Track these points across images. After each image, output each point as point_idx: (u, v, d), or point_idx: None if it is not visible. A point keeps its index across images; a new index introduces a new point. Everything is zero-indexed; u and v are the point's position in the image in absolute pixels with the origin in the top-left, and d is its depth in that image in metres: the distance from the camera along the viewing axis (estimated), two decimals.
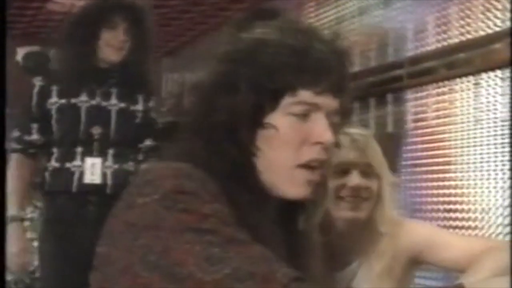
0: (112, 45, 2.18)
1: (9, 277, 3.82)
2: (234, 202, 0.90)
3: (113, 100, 2.19)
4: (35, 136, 2.23)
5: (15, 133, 2.27)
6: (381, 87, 2.60)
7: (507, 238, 2.06)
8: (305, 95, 0.93)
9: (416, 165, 2.46)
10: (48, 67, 4.33)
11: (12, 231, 2.18)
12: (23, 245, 2.19)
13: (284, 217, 1.00)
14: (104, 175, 2.12)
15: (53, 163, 2.17)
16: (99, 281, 0.93)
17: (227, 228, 0.85)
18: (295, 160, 0.93)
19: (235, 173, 0.93)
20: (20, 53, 4.35)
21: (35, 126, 2.23)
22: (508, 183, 2.12)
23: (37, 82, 2.24)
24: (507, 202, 2.11)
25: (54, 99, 2.20)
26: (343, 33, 1.04)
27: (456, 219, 2.28)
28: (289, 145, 0.93)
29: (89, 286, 0.97)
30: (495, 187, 2.16)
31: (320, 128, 0.93)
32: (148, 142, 2.23)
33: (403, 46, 2.58)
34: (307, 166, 0.94)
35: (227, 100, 0.93)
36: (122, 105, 2.20)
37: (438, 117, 2.40)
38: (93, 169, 2.11)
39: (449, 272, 1.99)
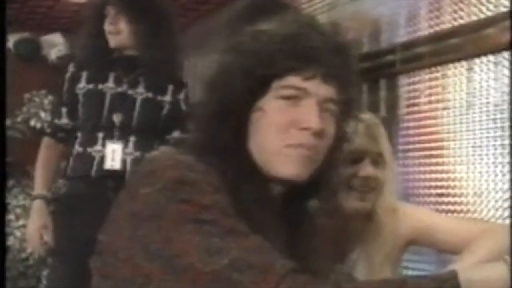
0: (107, 32, 2.23)
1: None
2: (234, 193, 0.91)
3: (140, 89, 2.23)
4: (64, 120, 2.30)
5: (48, 118, 2.37)
6: (374, 72, 2.61)
7: (499, 221, 2.09)
8: (292, 79, 0.95)
9: (409, 150, 2.48)
10: (41, 54, 4.38)
11: (34, 208, 2.28)
12: (43, 222, 2.24)
13: (287, 208, 1.02)
14: (124, 161, 2.14)
15: (77, 148, 2.21)
16: (100, 267, 0.95)
17: (227, 219, 0.86)
18: (283, 141, 0.96)
19: (232, 160, 0.95)
20: (11, 40, 4.32)
21: (64, 110, 2.29)
22: (500, 167, 2.14)
23: (70, 68, 2.30)
24: (499, 185, 2.13)
25: (82, 84, 2.25)
26: (342, 23, 1.05)
27: (448, 203, 2.30)
28: (277, 127, 0.96)
29: None
30: (487, 171, 2.18)
31: (308, 113, 0.95)
32: (176, 134, 2.24)
33: (396, 32, 2.59)
34: (297, 145, 0.96)
35: (223, 89, 0.97)
36: (149, 94, 2.23)
37: (431, 102, 2.42)
38: (113, 155, 2.14)
39: (442, 255, 2.03)
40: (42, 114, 4.27)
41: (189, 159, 0.93)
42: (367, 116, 1.39)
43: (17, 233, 3.93)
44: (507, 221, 2.07)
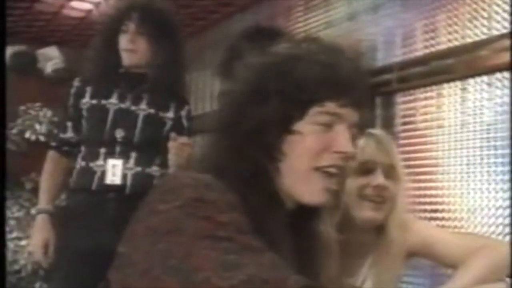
0: (124, 49, 2.24)
1: None
2: (250, 210, 0.94)
3: (143, 105, 2.25)
4: (69, 134, 2.33)
5: (53, 131, 2.40)
6: (371, 90, 2.66)
7: (492, 237, 2.14)
8: (330, 106, 1.01)
9: (404, 167, 2.52)
10: (37, 67, 4.40)
11: (37, 223, 2.32)
12: (46, 237, 2.28)
13: (298, 224, 1.05)
14: (124, 176, 2.16)
15: (80, 162, 2.23)
16: (120, 280, 0.96)
17: (242, 236, 0.89)
18: (314, 163, 1.01)
19: (255, 178, 0.99)
20: (7, 53, 4.33)
21: (69, 124, 2.33)
22: (493, 185, 2.20)
23: (75, 83, 2.32)
24: (492, 202, 2.19)
25: (86, 99, 2.28)
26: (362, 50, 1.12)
27: (443, 219, 2.36)
28: (312, 150, 1.01)
29: (102, 280, 1.01)
30: (480, 188, 2.24)
31: (342, 139, 1.01)
32: None
33: (392, 52, 2.65)
34: (324, 171, 1.01)
35: (257, 109, 1.01)
36: (151, 111, 2.25)
37: (426, 121, 2.48)
38: (114, 170, 2.17)
39: (436, 269, 2.08)
40: (37, 127, 4.28)
41: (207, 177, 0.96)
42: (376, 131, 1.44)
43: (10, 245, 3.92)
44: (500, 238, 2.13)
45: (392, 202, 1.41)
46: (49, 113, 4.33)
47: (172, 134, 2.09)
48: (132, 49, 2.23)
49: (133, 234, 0.97)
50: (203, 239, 0.88)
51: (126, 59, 2.24)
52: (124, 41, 2.24)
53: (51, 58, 4.37)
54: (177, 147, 2.04)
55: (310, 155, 1.01)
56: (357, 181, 1.37)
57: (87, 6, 3.83)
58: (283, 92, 1.00)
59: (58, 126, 2.42)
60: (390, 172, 1.40)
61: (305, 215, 1.06)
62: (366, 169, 1.38)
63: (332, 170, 1.01)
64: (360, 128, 1.07)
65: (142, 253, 0.92)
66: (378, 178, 1.38)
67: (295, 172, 1.01)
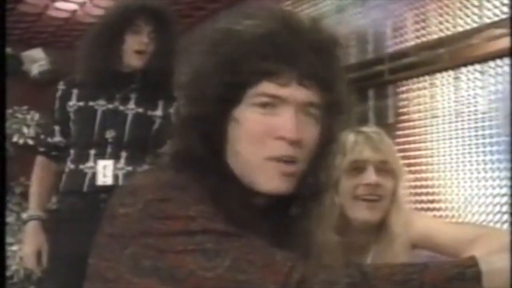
0: (135, 50, 2.17)
1: None
2: (218, 202, 0.88)
3: (131, 105, 2.21)
4: (57, 138, 2.27)
5: (41, 136, 2.37)
6: (362, 82, 2.65)
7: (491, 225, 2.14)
8: (266, 86, 0.89)
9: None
10: (22, 69, 4.34)
11: (28, 230, 2.25)
12: (39, 244, 2.23)
13: (274, 213, 0.98)
14: (116, 176, 2.14)
15: (69, 165, 2.19)
16: None
17: (216, 224, 0.84)
18: (263, 153, 0.91)
19: (211, 172, 0.92)
20: None
21: (57, 128, 2.27)
22: (489, 173, 2.20)
23: (60, 86, 2.27)
24: (489, 191, 2.19)
25: (73, 101, 2.23)
26: (326, 23, 0.98)
27: (440, 209, 2.35)
28: (252, 137, 0.91)
29: None
30: (477, 177, 2.24)
31: (284, 122, 0.89)
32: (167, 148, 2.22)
33: (383, 43, 2.64)
34: (276, 159, 0.91)
35: (196, 95, 0.92)
36: (140, 110, 2.21)
37: (419, 111, 2.47)
38: (104, 171, 2.13)
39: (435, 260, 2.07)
40: (25, 130, 4.23)
41: (168, 175, 0.91)
42: (367, 128, 1.41)
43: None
44: (497, 226, 2.12)
45: (392, 199, 1.37)
46: (36, 116, 4.28)
47: None
48: (145, 51, 2.17)
49: (97, 243, 0.94)
50: (175, 236, 0.83)
51: (137, 60, 2.18)
52: (136, 42, 2.17)
53: (36, 60, 4.31)
54: None
55: (251, 142, 0.90)
56: (350, 181, 1.34)
57: (71, 6, 3.79)
58: (217, 73, 0.90)
59: (45, 130, 2.35)
60: (383, 167, 1.36)
61: (280, 206, 0.98)
62: (358, 168, 1.34)
63: (283, 163, 0.90)
64: (333, 108, 0.93)
65: (108, 261, 0.89)
66: (370, 176, 1.33)
67: (245, 163, 0.91)
